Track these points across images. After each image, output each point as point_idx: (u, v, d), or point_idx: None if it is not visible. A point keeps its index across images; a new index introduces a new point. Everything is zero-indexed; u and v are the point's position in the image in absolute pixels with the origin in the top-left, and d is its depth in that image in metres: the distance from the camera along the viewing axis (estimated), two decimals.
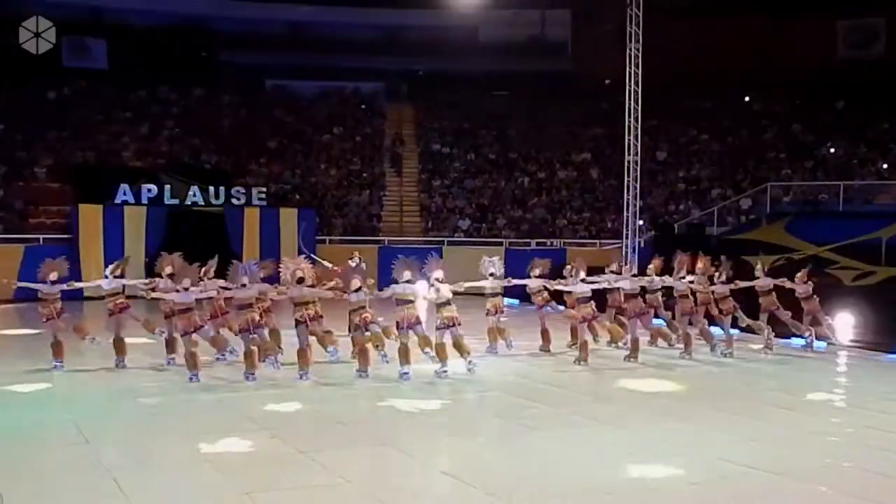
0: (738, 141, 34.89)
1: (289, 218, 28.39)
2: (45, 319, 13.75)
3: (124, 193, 26.95)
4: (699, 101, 36.52)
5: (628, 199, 26.00)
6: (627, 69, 25.62)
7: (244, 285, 13.14)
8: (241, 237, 27.33)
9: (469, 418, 11.19)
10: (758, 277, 16.10)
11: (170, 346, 14.16)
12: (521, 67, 37.86)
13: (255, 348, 13.01)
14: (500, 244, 29.95)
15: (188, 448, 9.22)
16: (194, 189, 27.65)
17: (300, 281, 13.52)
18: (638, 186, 26.02)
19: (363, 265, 15.89)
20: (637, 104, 25.70)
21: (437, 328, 13.23)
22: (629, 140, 25.77)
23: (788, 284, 16.09)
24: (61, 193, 28.88)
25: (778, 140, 34.57)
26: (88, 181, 28.45)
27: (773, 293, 16.07)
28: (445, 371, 13.06)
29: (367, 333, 13.47)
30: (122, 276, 14.51)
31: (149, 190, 27.20)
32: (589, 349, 14.70)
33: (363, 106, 38.39)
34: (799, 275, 16.16)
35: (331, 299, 14.04)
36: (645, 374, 13.89)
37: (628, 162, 25.87)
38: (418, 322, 13.14)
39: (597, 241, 30.85)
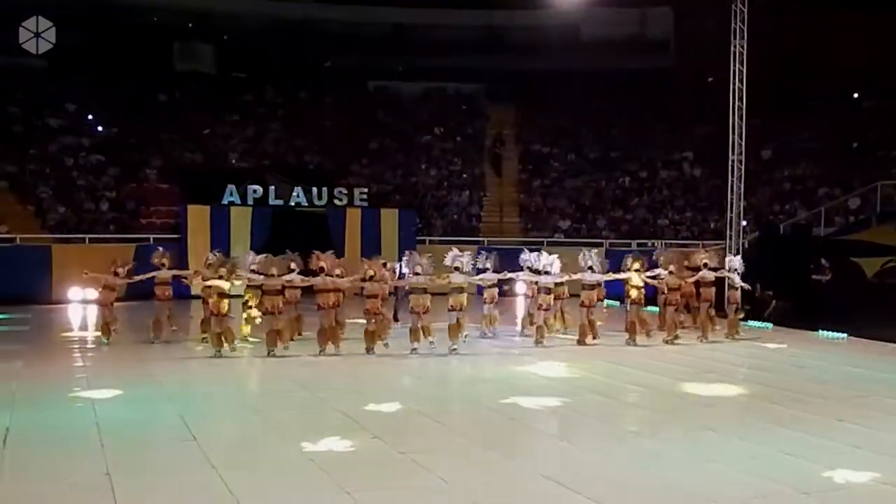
0: (846, 139, 33.94)
1: (389, 218, 28.71)
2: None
3: (231, 194, 27.52)
4: (805, 98, 35.51)
5: (732, 199, 25.31)
6: (731, 66, 24.89)
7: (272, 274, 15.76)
8: (343, 237, 27.65)
9: (571, 420, 11.11)
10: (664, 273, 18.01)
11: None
12: (622, 66, 37.46)
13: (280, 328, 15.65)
14: (601, 244, 29.65)
15: (291, 447, 9.36)
16: (298, 190, 28.11)
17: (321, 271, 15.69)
18: (742, 186, 25.36)
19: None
20: (741, 102, 24.94)
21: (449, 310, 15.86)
22: (733, 139, 25.13)
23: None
24: (170, 194, 29.64)
25: (888, 138, 33.45)
26: (196, 182, 29.10)
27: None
28: (455, 348, 15.75)
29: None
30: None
31: (254, 191, 27.75)
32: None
33: (464, 106, 38.53)
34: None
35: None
36: (697, 377, 13.87)
37: (732, 161, 25.21)
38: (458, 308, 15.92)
39: (699, 241, 30.17)
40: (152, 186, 30.27)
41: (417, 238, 28.80)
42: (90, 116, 32.38)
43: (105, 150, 31.09)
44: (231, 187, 27.55)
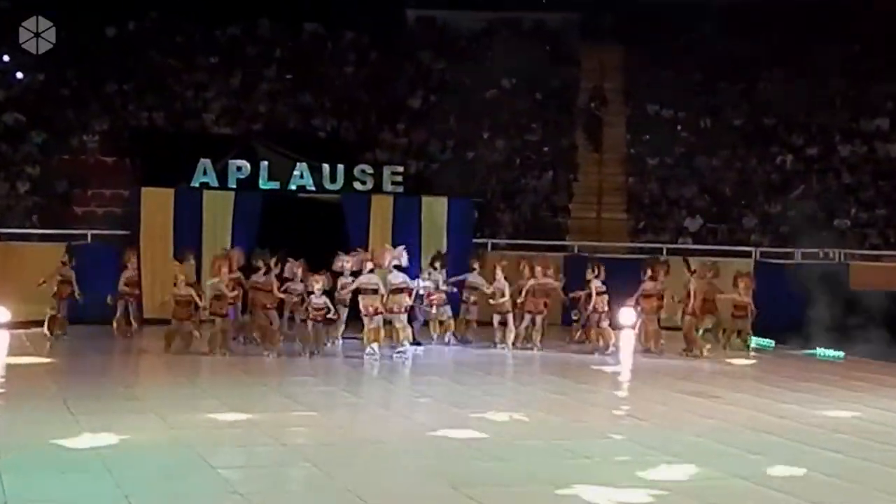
0: None
1: (435, 210, 28.91)
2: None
3: (205, 172, 27.82)
4: None
5: None
6: None
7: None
8: (366, 236, 27.64)
9: None
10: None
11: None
12: None
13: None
14: (748, 255, 29.86)
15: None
16: (302, 168, 28.42)
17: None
18: None
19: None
20: None
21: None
22: None
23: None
24: (118, 171, 30.32)
25: None
26: (156, 155, 29.58)
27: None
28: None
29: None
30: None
31: (239, 168, 28.02)
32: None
33: (548, 48, 38.69)
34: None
35: None
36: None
37: None
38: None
39: None
40: (92, 160, 30.93)
41: (476, 239, 29.23)
42: (5, 58, 33.05)
43: (25, 108, 31.80)
44: (205, 162, 27.84)
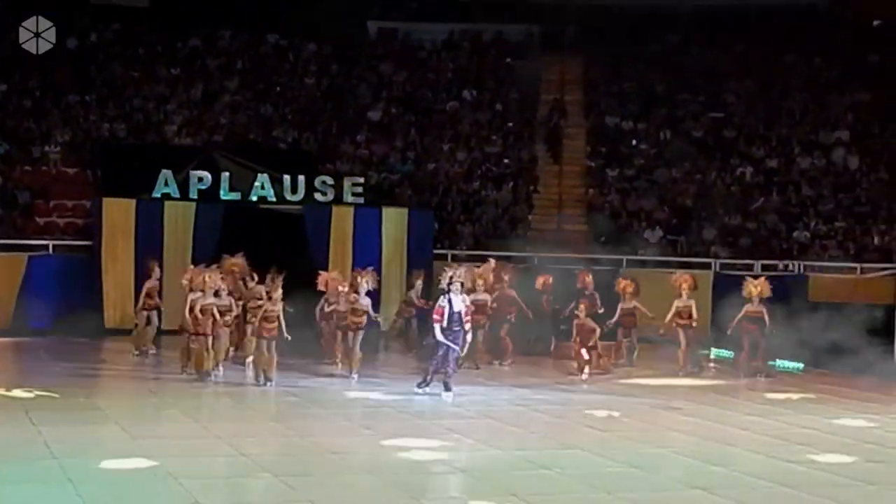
0: None
1: (395, 221, 29.17)
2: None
3: (166, 183, 28.04)
4: None
5: None
6: None
7: None
8: (326, 247, 28.20)
9: None
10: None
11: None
12: (743, 1, 38.12)
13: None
14: (708, 266, 30.00)
15: None
16: (263, 179, 28.66)
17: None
18: None
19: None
20: None
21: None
22: None
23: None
24: (80, 182, 30.40)
25: None
26: (118, 165, 29.83)
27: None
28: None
29: None
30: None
31: (200, 179, 28.29)
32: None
33: (508, 59, 38.92)
34: None
35: None
36: None
37: None
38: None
39: (856, 264, 30.61)
40: (54, 171, 30.94)
41: (436, 251, 29.35)
42: None
43: None
44: (166, 174, 28.07)
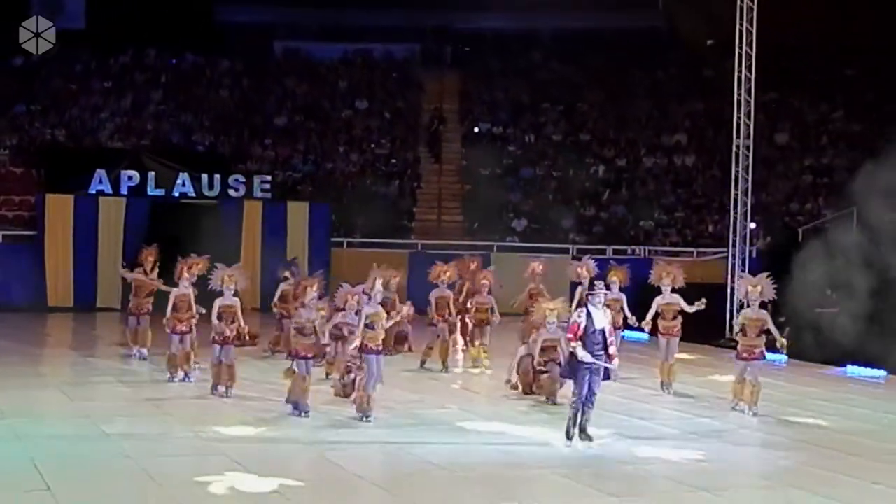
0: (886, 119, 34.38)
1: (298, 214, 31.64)
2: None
3: (100, 181, 30.70)
4: (835, 68, 38.12)
5: (737, 196, 26.46)
6: (738, 26, 26.01)
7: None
8: (239, 237, 30.57)
9: None
10: None
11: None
12: (596, 24, 40.10)
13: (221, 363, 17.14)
14: (566, 251, 31.89)
15: None
16: (184, 177, 31.18)
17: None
18: (750, 179, 26.50)
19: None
20: (750, 72, 26.12)
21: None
22: (739, 118, 26.30)
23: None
24: (26, 180, 32.84)
25: None
26: (58, 166, 32.21)
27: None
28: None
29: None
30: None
31: (129, 177, 30.88)
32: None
33: (395, 74, 41.56)
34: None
35: None
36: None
37: (737, 146, 26.37)
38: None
39: (693, 249, 32.72)
40: (3, 170, 33.41)
41: (333, 240, 31.92)
42: None
43: None
44: (101, 173, 30.70)
